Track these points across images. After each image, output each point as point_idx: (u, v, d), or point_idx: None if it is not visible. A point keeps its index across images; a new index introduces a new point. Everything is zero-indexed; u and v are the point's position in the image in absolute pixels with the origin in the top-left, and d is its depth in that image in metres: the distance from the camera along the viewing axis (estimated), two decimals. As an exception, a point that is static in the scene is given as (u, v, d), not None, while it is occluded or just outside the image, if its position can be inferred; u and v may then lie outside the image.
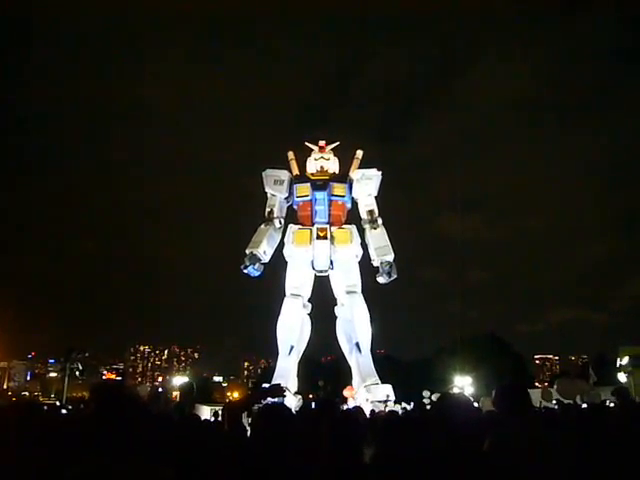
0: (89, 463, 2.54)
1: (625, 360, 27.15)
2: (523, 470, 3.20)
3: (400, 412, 12.75)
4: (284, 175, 20.45)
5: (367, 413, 10.20)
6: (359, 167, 20.69)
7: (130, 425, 2.62)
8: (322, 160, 20.38)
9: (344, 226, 19.76)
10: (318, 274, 19.47)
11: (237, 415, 4.59)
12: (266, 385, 5.84)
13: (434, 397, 20.02)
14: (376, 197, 20.24)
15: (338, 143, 21.25)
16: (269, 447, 3.34)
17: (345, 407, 13.67)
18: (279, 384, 7.67)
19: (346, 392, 18.31)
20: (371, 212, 19.88)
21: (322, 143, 20.86)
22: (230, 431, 4.35)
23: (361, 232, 19.81)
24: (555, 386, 9.89)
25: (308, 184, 19.79)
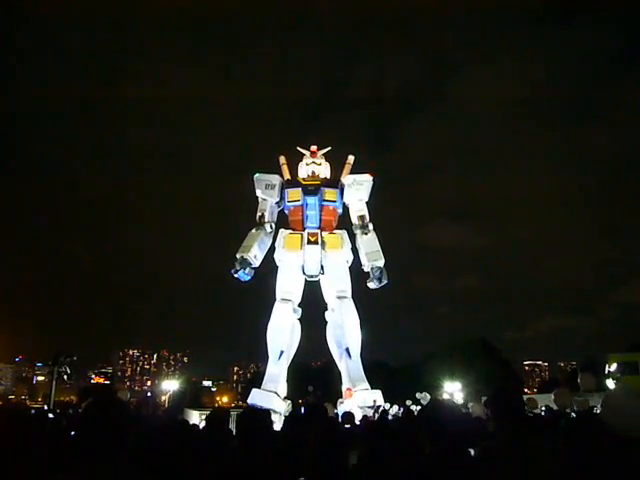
0: (76, 469, 2.52)
1: (613, 367, 27.27)
2: (512, 477, 3.21)
3: (390, 417, 12.76)
4: (275, 179, 20.44)
5: (357, 419, 10.20)
6: (350, 172, 20.73)
7: (117, 430, 2.61)
8: (313, 165, 20.40)
9: (335, 231, 19.73)
10: (309, 279, 19.41)
11: (223, 420, 4.58)
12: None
13: (423, 401, 20.09)
14: (367, 202, 20.27)
15: (330, 148, 21.31)
16: (250, 452, 3.33)
17: (335, 411, 13.65)
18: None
19: (346, 393, 18.16)
20: (362, 217, 19.86)
21: (314, 148, 20.89)
22: (216, 436, 4.33)
23: (352, 237, 19.80)
24: (553, 396, 9.95)
25: (299, 189, 19.78)
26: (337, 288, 19.23)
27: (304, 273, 19.17)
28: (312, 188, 19.70)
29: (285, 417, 14.37)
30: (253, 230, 19.72)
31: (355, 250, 19.62)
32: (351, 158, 21.09)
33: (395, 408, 19.84)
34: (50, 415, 13.47)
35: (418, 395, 24.53)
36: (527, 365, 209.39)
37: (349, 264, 19.61)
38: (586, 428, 3.31)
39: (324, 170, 20.62)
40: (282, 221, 20.59)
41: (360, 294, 19.84)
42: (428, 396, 22.45)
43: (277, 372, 18.54)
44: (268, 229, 19.90)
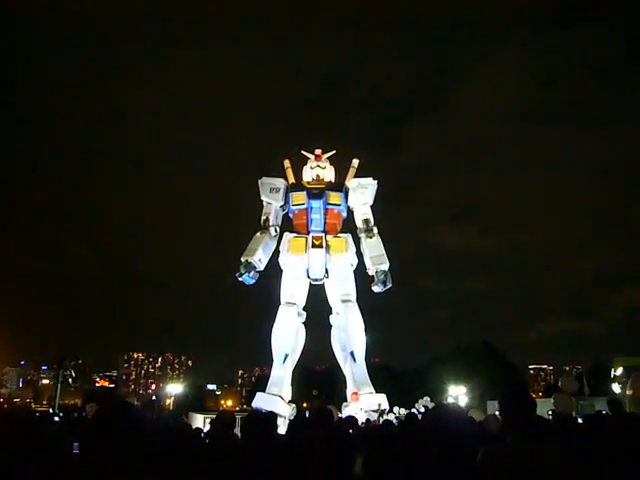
0: (81, 472, 2.52)
1: (619, 371, 27.04)
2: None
3: (395, 421, 12.72)
4: (280, 183, 20.47)
5: (361, 423, 10.17)
6: (355, 176, 20.76)
7: (123, 433, 2.61)
8: (318, 169, 20.42)
9: (339, 235, 19.74)
10: (313, 283, 19.41)
11: (229, 424, 4.57)
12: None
13: (424, 408, 20.03)
14: (372, 206, 20.29)
15: (334, 152, 21.31)
16: (255, 456, 3.33)
17: (339, 415, 13.63)
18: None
19: (352, 397, 18.10)
20: (367, 221, 19.90)
21: (318, 152, 20.91)
22: (221, 440, 4.33)
23: (356, 241, 19.82)
24: (552, 400, 9.85)
25: (304, 192, 19.79)
26: (342, 292, 19.21)
27: (309, 277, 19.17)
28: (317, 191, 19.71)
29: (290, 421, 14.36)
30: (258, 234, 19.75)
31: (360, 254, 19.64)
32: (356, 162, 21.12)
33: (402, 411, 19.76)
34: (55, 418, 13.51)
35: (420, 402, 24.35)
36: (532, 369, 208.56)
37: (354, 268, 19.61)
38: (597, 432, 3.29)
39: (329, 174, 20.64)
40: (287, 225, 20.66)
41: (364, 297, 19.87)
42: (428, 399, 22.37)
43: (282, 376, 18.53)
44: (273, 233, 19.95)
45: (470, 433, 3.76)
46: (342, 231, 20.09)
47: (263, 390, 18.38)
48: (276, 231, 20.11)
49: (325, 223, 19.55)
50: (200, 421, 19.92)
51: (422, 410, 19.10)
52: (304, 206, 19.75)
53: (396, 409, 19.45)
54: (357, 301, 19.25)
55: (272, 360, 18.84)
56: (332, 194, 19.90)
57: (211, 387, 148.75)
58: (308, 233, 19.39)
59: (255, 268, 19.15)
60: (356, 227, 20.12)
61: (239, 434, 4.80)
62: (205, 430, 9.85)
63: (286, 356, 18.63)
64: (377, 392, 18.00)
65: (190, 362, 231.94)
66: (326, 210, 19.64)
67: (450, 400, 30.69)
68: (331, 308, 19.69)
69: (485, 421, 7.99)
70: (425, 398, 22.52)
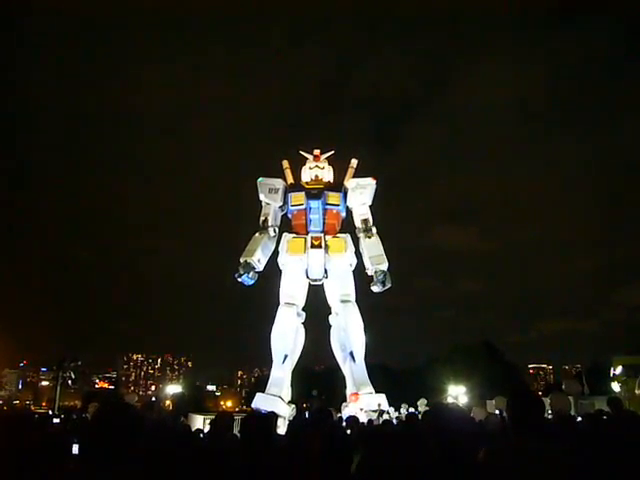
0: (81, 473, 2.52)
1: (619, 370, 27.08)
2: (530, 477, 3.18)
3: (395, 421, 12.72)
4: (279, 184, 20.46)
5: (360, 422, 10.16)
6: (354, 176, 20.75)
7: (122, 433, 2.60)
8: (317, 169, 20.44)
9: (338, 235, 19.75)
10: (312, 283, 19.41)
11: (228, 424, 4.56)
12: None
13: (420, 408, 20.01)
14: (370, 206, 20.28)
15: (333, 152, 21.33)
16: (254, 456, 3.32)
17: (339, 415, 13.63)
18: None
19: (351, 397, 18.07)
20: (365, 221, 19.89)
21: (317, 152, 20.93)
22: (220, 440, 4.32)
23: (355, 241, 19.82)
24: (549, 400, 9.79)
25: (303, 193, 19.79)
26: (341, 292, 19.20)
27: (308, 277, 19.17)
28: (315, 192, 19.69)
29: (290, 421, 14.34)
30: (257, 234, 19.74)
31: (359, 254, 19.62)
32: (354, 162, 21.12)
33: (402, 410, 19.72)
34: (55, 420, 13.47)
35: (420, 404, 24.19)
36: (532, 368, 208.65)
37: (353, 268, 19.61)
38: (598, 431, 3.28)
39: (327, 174, 20.65)
40: (286, 225, 20.64)
41: (364, 297, 19.85)
42: (425, 401, 22.29)
43: (281, 376, 18.53)
44: (272, 233, 19.92)
45: (470, 432, 3.75)
46: (341, 231, 20.10)
47: (263, 391, 18.37)
48: (275, 231, 20.08)
49: (324, 223, 19.54)
50: (200, 422, 19.88)
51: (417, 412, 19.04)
52: (303, 206, 19.74)
53: (392, 409, 19.45)
54: (356, 301, 19.26)
55: (272, 361, 18.85)
56: (331, 194, 19.90)
57: (211, 388, 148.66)
58: (307, 233, 19.38)
59: (254, 269, 19.14)
60: (355, 227, 20.13)
61: (238, 435, 4.80)
62: (205, 431, 9.83)
63: (285, 357, 18.62)
64: (376, 392, 18.01)
65: (190, 363, 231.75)
66: (325, 210, 19.63)
67: (450, 400, 30.66)
68: (330, 308, 19.69)
69: (485, 420, 7.98)
70: (421, 400, 22.42)
